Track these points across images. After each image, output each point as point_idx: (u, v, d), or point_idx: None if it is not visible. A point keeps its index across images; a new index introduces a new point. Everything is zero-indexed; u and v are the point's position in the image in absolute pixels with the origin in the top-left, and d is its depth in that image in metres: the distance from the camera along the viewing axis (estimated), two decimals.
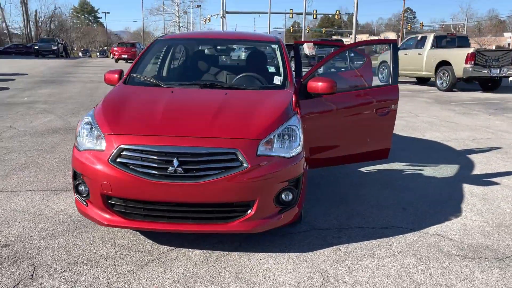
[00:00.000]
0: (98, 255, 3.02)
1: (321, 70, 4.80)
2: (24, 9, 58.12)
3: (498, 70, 13.79)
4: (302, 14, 48.27)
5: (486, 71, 13.71)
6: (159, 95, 3.45)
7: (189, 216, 2.92)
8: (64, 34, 68.08)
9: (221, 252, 3.11)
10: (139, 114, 3.16)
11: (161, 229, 2.94)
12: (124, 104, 3.31)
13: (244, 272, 2.84)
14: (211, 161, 2.86)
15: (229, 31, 4.97)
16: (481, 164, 5.61)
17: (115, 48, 31.48)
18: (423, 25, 63.10)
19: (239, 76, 3.99)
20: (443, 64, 14.71)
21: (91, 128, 3.09)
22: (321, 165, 4.30)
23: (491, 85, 14.73)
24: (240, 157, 2.86)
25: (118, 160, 2.88)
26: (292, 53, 5.19)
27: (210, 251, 3.11)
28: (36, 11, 62.76)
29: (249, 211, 2.93)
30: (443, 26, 74.14)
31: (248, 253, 3.10)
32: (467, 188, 4.65)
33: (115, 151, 2.88)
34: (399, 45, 17.57)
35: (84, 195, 3.06)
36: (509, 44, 55.81)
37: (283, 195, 3.04)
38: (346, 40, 62.70)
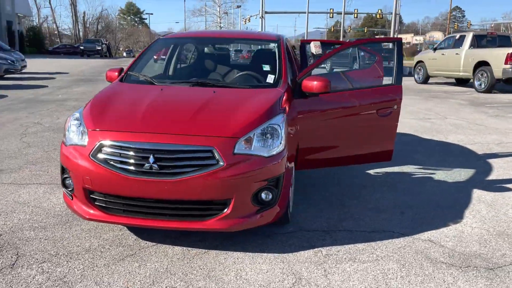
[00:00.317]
0: (81, 248, 3.10)
1: (324, 70, 4.72)
2: (73, 10, 60.67)
3: None
4: (346, 13, 47.61)
5: None
6: (148, 93, 3.50)
7: (166, 213, 2.94)
8: (110, 35, 70.33)
9: (200, 249, 3.11)
10: (123, 111, 3.22)
11: (140, 224, 2.98)
12: (112, 101, 3.38)
13: (217, 271, 2.83)
14: (187, 158, 2.87)
15: (231, 30, 4.95)
16: (500, 170, 5.33)
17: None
18: (470, 24, 60.75)
19: (229, 74, 3.99)
20: (482, 65, 14.12)
21: (79, 124, 3.17)
22: (319, 165, 4.23)
23: None
24: (216, 155, 2.85)
25: (98, 155, 2.94)
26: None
27: (189, 248, 3.12)
28: (84, 12, 65.32)
29: (225, 210, 2.91)
30: (492, 26, 70.99)
31: (227, 251, 3.09)
32: (476, 193, 4.43)
33: (96, 146, 2.95)
34: (435, 45, 17.01)
35: (69, 189, 3.14)
36: None
37: (262, 195, 3.01)
38: None
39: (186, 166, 2.85)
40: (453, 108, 10.64)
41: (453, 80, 17.66)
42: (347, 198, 4.23)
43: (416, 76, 18.07)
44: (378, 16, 54.92)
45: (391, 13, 56.99)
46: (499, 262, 3.03)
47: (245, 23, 55.44)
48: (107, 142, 2.93)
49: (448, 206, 4.07)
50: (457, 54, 15.26)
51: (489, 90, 13.89)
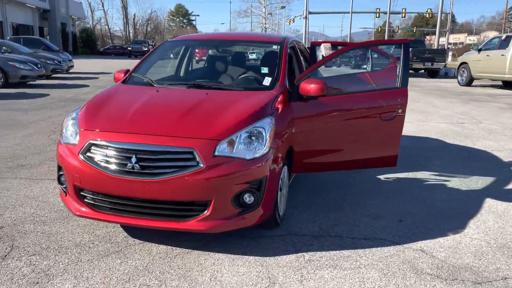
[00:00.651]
0: (71, 242, 3.23)
1: (328, 72, 4.64)
2: (124, 13, 62.90)
3: None
4: (392, 13, 46.50)
5: None
6: (143, 95, 3.59)
7: (148, 212, 3.01)
8: (158, 36, 72.24)
9: (184, 249, 3.16)
10: (115, 112, 3.32)
11: (124, 222, 3.07)
12: (107, 102, 3.49)
13: (194, 271, 2.87)
14: (168, 159, 2.92)
15: (236, 32, 4.98)
16: None
17: (196, 50, 32.84)
18: None
19: (229, 76, 4.01)
20: None
21: (74, 123, 3.30)
22: (320, 169, 4.17)
23: None
24: (196, 157, 2.89)
25: (87, 154, 3.05)
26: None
27: (173, 248, 3.18)
28: (134, 14, 67.61)
29: (205, 211, 2.95)
30: None
31: (209, 252, 3.12)
32: (488, 203, 4.23)
33: (85, 145, 3.06)
34: (480, 46, 16.29)
35: (64, 186, 3.28)
36: None
37: (244, 197, 3.02)
38: (442, 40, 59.18)
39: (167, 167, 2.90)
40: (491, 112, 10.15)
41: (500, 83, 16.84)
42: (348, 203, 4.15)
43: (459, 78, 17.38)
44: (428, 15, 53.19)
45: (444, 13, 55.01)
46: (489, 276, 2.88)
47: (289, 23, 55.39)
48: (95, 141, 3.04)
49: (452, 215, 3.90)
50: (502, 55, 14.54)
51: None
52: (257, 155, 3.02)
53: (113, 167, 2.95)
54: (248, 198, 3.03)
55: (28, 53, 16.07)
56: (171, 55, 4.72)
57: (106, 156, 2.99)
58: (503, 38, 15.12)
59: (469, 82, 16.75)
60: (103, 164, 2.99)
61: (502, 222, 3.77)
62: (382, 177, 5.01)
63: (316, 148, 3.96)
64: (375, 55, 5.38)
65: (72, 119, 3.36)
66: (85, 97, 11.51)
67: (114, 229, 3.46)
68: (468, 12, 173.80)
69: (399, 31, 65.46)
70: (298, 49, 4.85)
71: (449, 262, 3.05)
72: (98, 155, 3.02)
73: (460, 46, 69.20)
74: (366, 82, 4.59)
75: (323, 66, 4.32)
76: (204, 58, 5.30)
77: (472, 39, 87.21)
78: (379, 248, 3.24)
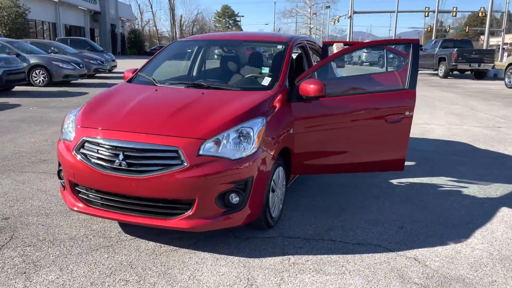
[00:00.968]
0: (67, 235, 3.34)
1: (338, 73, 4.54)
2: (171, 14, 64.38)
3: None
4: (441, 12, 44.90)
5: None
6: (141, 93, 3.65)
7: (135, 209, 3.06)
8: None
9: (172, 247, 3.19)
10: (110, 110, 3.40)
11: (114, 218, 3.13)
12: (107, 101, 3.58)
13: (175, 269, 2.89)
14: (154, 157, 2.96)
15: (244, 32, 4.98)
16: None
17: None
18: None
19: (230, 76, 4.00)
20: None
21: (73, 121, 3.41)
22: (322, 171, 4.09)
23: None
24: (181, 156, 2.91)
25: (80, 150, 3.15)
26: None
27: (162, 245, 3.22)
28: (181, 16, 69.20)
29: (189, 210, 2.96)
30: None
31: (196, 251, 3.14)
32: (502, 212, 3.99)
33: (79, 142, 3.16)
34: None
35: (62, 181, 3.40)
36: None
37: (228, 197, 3.02)
38: (497, 40, 56.46)
39: (153, 165, 2.94)
40: None
41: None
42: (351, 207, 4.05)
43: (507, 80, 16.53)
44: (481, 14, 50.93)
45: (499, 11, 52.42)
46: None
47: (334, 23, 54.71)
48: (88, 138, 3.13)
49: (458, 224, 3.72)
50: None
51: None
52: (243, 155, 3.01)
53: (103, 163, 3.03)
54: (233, 198, 3.02)
55: (74, 54, 16.79)
56: (187, 55, 4.78)
57: (97, 152, 3.07)
58: None
59: None
60: (94, 160, 3.07)
61: None
62: (395, 181, 4.85)
63: (317, 150, 3.88)
64: (392, 55, 5.21)
65: (72, 115, 3.47)
66: None
67: (110, 224, 3.55)
68: None
69: (450, 31, 62.92)
70: (310, 49, 4.79)
71: (441, 272, 2.91)
72: (90, 151, 3.11)
73: None
74: (377, 83, 4.46)
75: (351, 66, 4.22)
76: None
77: None
78: (370, 255, 3.14)
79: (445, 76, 20.99)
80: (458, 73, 22.40)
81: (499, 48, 43.45)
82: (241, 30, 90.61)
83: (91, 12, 40.75)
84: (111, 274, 2.81)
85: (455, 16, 55.33)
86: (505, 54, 38.37)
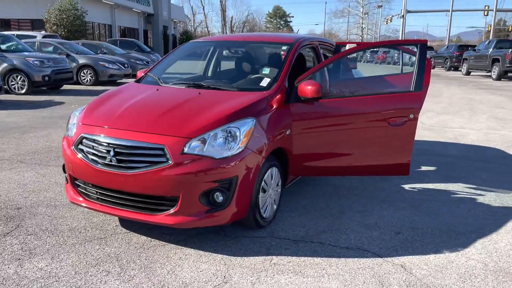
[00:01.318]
0: (68, 226, 3.52)
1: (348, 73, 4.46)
2: (222, 15, 65.42)
3: None
4: (500, 11, 42.65)
5: None
6: (143, 93, 3.78)
7: (126, 203, 3.17)
8: None
9: (161, 242, 3.29)
10: (109, 108, 3.54)
11: (107, 212, 3.26)
12: (110, 99, 3.73)
13: (158, 263, 2.98)
14: (141, 154, 3.07)
15: (253, 33, 5.00)
16: None
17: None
18: None
19: (232, 76, 4.05)
20: None
21: (77, 118, 3.59)
22: (323, 173, 4.05)
23: None
24: (167, 153, 3.00)
25: (79, 146, 3.32)
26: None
27: (153, 239, 3.32)
28: (232, 17, 69.95)
29: (175, 206, 3.04)
30: None
31: (182, 247, 3.21)
32: None
33: (78, 138, 3.33)
34: None
35: (66, 174, 3.59)
36: None
37: (214, 195, 3.07)
38: None
39: (140, 162, 3.05)
40: None
41: None
42: (352, 210, 3.98)
43: None
44: None
45: None
46: None
47: (387, 23, 53.31)
48: (85, 135, 3.29)
49: (462, 232, 3.56)
50: None
51: None
52: (228, 155, 3.05)
53: (97, 159, 3.18)
54: (217, 197, 3.07)
55: (121, 54, 17.49)
56: (198, 55, 4.90)
57: (92, 148, 3.22)
58: None
59: None
60: (90, 156, 3.22)
61: None
62: (407, 186, 4.71)
63: (316, 152, 3.85)
64: (408, 56, 5.05)
65: (77, 113, 3.66)
66: None
67: (110, 218, 3.70)
68: None
69: None
70: (325, 50, 4.75)
71: (425, 281, 2.81)
72: (87, 147, 3.26)
73: None
74: (387, 85, 4.35)
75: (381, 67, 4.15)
76: None
77: None
78: (356, 259, 3.09)
79: (499, 78, 19.93)
80: None
81: None
82: (292, 30, 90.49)
83: (145, 14, 42.13)
84: (96, 264, 2.94)
85: None
86: None
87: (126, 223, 3.57)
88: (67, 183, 3.58)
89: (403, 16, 42.51)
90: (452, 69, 27.70)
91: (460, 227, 3.68)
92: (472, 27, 75.50)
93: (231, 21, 68.54)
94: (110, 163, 3.10)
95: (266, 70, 4.03)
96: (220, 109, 3.29)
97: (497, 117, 9.53)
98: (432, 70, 29.63)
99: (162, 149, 3.02)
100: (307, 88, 3.60)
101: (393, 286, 2.75)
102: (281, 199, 4.04)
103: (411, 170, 5.24)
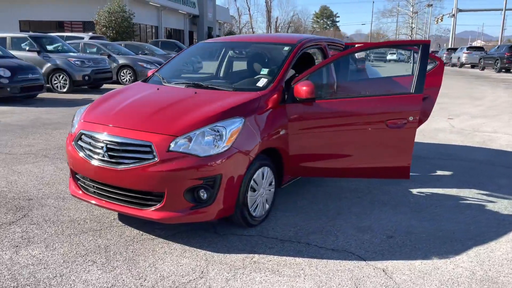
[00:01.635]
0: (69, 218, 3.71)
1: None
2: (267, 16, 65.67)
3: None
4: None
5: None
6: (143, 91, 3.92)
7: (117, 198, 3.31)
8: None
9: (152, 236, 3.40)
10: (109, 106, 3.69)
11: (101, 205, 3.40)
12: (112, 98, 3.89)
13: (142, 256, 3.09)
14: (130, 151, 3.19)
15: (257, 34, 5.02)
16: None
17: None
18: None
19: (232, 77, 4.09)
20: None
21: (80, 115, 3.78)
22: (320, 174, 4.03)
23: None
24: (153, 150, 3.11)
25: (78, 142, 3.49)
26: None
27: (145, 233, 3.44)
28: (277, 17, 70.07)
29: (160, 202, 3.14)
30: None
31: (169, 242, 3.31)
32: None
33: (77, 134, 3.51)
34: None
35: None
36: None
37: (197, 193, 3.14)
38: None
39: (129, 158, 3.18)
40: None
41: None
42: (349, 213, 3.94)
43: None
44: None
45: None
46: None
47: (437, 22, 51.60)
48: (84, 131, 3.46)
49: (458, 239, 3.45)
50: None
51: None
52: (213, 153, 3.11)
53: (92, 154, 3.34)
54: (202, 194, 3.14)
55: (161, 55, 17.98)
56: (207, 56, 5.01)
57: (89, 144, 3.39)
58: None
59: None
60: (86, 151, 3.39)
61: None
62: (415, 190, 4.59)
63: (313, 152, 3.85)
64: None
65: (82, 110, 3.84)
66: None
67: (110, 211, 3.85)
68: None
69: None
70: (331, 51, 4.72)
71: (403, 287, 2.76)
72: (84, 143, 3.43)
73: None
74: (392, 87, 4.27)
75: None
76: None
77: None
78: (338, 261, 3.06)
79: None
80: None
81: None
82: (339, 30, 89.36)
83: (190, 16, 43.07)
84: (84, 255, 3.09)
85: None
86: None
87: (124, 217, 3.72)
88: (70, 177, 3.77)
89: (453, 15, 40.97)
90: (503, 70, 26.43)
91: (459, 233, 3.55)
92: None
93: (276, 22, 68.69)
94: (103, 158, 3.25)
95: (265, 71, 4.06)
96: (209, 109, 3.36)
97: None
98: (481, 71, 28.41)
99: (150, 146, 3.12)
100: (301, 88, 3.60)
101: None
102: (280, 199, 4.08)
103: (424, 175, 5.11)
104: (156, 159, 3.08)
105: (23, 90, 10.20)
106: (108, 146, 3.24)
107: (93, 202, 3.45)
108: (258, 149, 3.39)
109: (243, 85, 4.02)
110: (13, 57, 10.95)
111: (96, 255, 3.09)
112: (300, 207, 4.04)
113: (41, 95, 11.39)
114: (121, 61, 14.91)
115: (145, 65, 14.80)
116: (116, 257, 3.06)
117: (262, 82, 3.83)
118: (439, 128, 8.21)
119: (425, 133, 7.61)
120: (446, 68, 33.95)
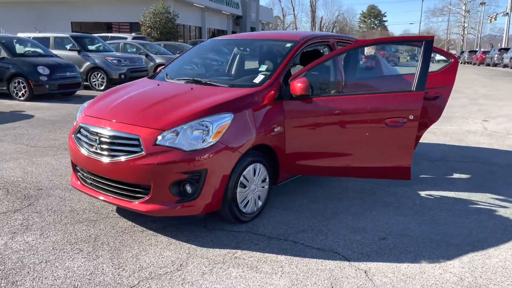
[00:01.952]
0: (70, 208, 3.85)
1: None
2: (312, 16, 65.18)
3: None
4: None
5: None
6: (144, 87, 4.00)
7: (110, 189, 3.39)
8: None
9: (142, 228, 3.47)
10: (109, 101, 3.79)
11: (95, 196, 3.49)
12: (114, 93, 3.99)
13: (127, 247, 3.15)
14: (121, 144, 3.27)
15: (262, 32, 4.99)
16: None
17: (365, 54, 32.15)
18: None
19: (233, 73, 4.09)
20: None
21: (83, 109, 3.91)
22: (318, 173, 3.96)
23: None
24: (141, 144, 3.17)
25: (77, 135, 3.62)
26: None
27: (137, 225, 3.52)
28: (321, 17, 69.39)
29: (148, 195, 3.20)
30: None
31: (158, 235, 3.36)
32: None
33: (77, 127, 3.64)
34: None
35: None
36: None
37: (183, 186, 3.18)
38: None
39: (119, 151, 3.26)
40: None
41: None
42: (347, 213, 3.84)
43: None
44: None
45: None
46: None
47: (490, 21, 49.35)
48: (82, 124, 3.58)
49: (456, 244, 3.29)
50: None
51: None
52: (198, 148, 3.13)
53: (87, 147, 3.45)
54: (187, 188, 3.17)
55: None
56: (215, 53, 5.05)
57: (86, 137, 3.50)
58: None
59: None
60: (83, 144, 3.51)
61: (511, 262, 3.03)
62: (424, 193, 4.41)
63: (309, 151, 3.78)
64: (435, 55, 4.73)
65: (86, 105, 3.97)
66: None
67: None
68: None
69: None
70: (338, 48, 4.63)
71: None
72: (82, 136, 3.55)
73: None
74: (405, 84, 4.11)
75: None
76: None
77: None
78: (320, 260, 3.00)
79: None
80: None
81: None
82: (387, 30, 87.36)
83: (233, 16, 43.46)
84: (74, 243, 3.20)
85: None
86: None
87: (121, 209, 3.80)
88: (72, 169, 3.91)
89: (507, 13, 39.04)
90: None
91: (458, 238, 3.39)
92: None
93: (320, 22, 68.07)
94: (96, 151, 3.35)
95: (263, 67, 4.04)
96: (199, 104, 3.39)
97: None
98: None
99: (138, 140, 3.19)
100: (296, 85, 3.56)
101: None
102: (279, 197, 4.07)
103: (439, 177, 4.93)
104: (143, 152, 3.14)
105: (61, 87, 10.68)
106: (101, 139, 3.33)
107: (90, 193, 3.56)
108: (248, 145, 3.38)
109: (240, 81, 4.02)
110: (53, 56, 11.47)
111: (84, 244, 3.19)
112: (298, 205, 3.99)
113: (79, 92, 11.87)
114: (158, 60, 15.29)
115: None
116: (103, 247, 3.15)
117: (259, 79, 3.81)
118: (470, 130, 7.86)
119: (454, 135, 7.31)
120: (496, 69, 32.45)
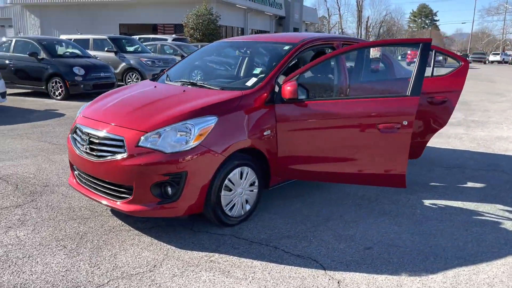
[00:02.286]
0: (68, 205, 3.97)
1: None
2: (358, 16, 64.01)
3: None
4: None
5: None
6: (141, 89, 4.06)
7: (99, 189, 3.48)
8: (389, 38, 70.94)
9: (129, 227, 3.53)
10: (105, 102, 3.88)
11: (86, 195, 3.58)
12: (112, 94, 4.09)
13: (109, 246, 3.21)
14: (106, 144, 3.34)
15: (263, 34, 4.92)
16: None
17: (408, 52, 31.10)
18: None
19: (232, 75, 4.08)
20: None
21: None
22: (311, 178, 3.86)
23: None
24: (125, 145, 3.23)
25: (73, 134, 3.74)
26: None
27: (125, 224, 3.58)
28: (368, 17, 67.99)
29: (131, 195, 3.26)
30: None
31: (142, 235, 3.41)
32: None
33: (73, 128, 3.76)
34: None
35: None
36: None
37: (163, 188, 3.21)
38: None
39: (105, 151, 3.33)
40: None
41: None
42: (338, 220, 3.74)
43: None
44: None
45: None
46: None
47: None
48: (77, 125, 3.70)
49: (446, 257, 3.12)
50: None
51: None
52: (178, 150, 3.15)
53: (80, 147, 3.55)
54: (168, 190, 3.20)
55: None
56: (220, 55, 5.07)
57: (80, 137, 3.61)
58: None
59: None
60: (77, 143, 3.62)
61: (500, 279, 2.83)
62: (428, 202, 4.23)
63: (302, 155, 3.71)
64: (440, 58, 4.51)
65: (85, 106, 4.10)
66: None
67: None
68: None
69: None
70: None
71: None
72: (77, 136, 3.67)
73: None
74: (403, 88, 3.96)
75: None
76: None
77: None
78: (295, 268, 2.94)
79: None
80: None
81: None
82: (438, 29, 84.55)
83: (276, 17, 43.44)
84: (61, 239, 3.30)
85: None
86: None
87: None
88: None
89: None
90: None
91: (450, 251, 3.22)
92: None
93: (367, 22, 66.76)
94: (86, 150, 3.45)
95: (258, 70, 4.00)
96: (184, 107, 3.40)
97: None
98: None
99: (122, 141, 3.25)
100: (286, 89, 3.51)
101: None
102: (275, 201, 4.07)
103: (451, 185, 4.71)
104: (126, 153, 3.19)
105: (95, 87, 11.06)
106: (90, 139, 3.42)
107: (83, 192, 3.66)
108: (234, 148, 3.36)
109: (233, 84, 4.01)
110: (90, 57, 11.92)
111: (70, 240, 3.29)
112: (291, 210, 3.93)
113: None
114: None
115: None
116: (86, 245, 3.23)
117: (251, 82, 3.78)
118: (501, 136, 7.45)
119: (482, 142, 6.96)
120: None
